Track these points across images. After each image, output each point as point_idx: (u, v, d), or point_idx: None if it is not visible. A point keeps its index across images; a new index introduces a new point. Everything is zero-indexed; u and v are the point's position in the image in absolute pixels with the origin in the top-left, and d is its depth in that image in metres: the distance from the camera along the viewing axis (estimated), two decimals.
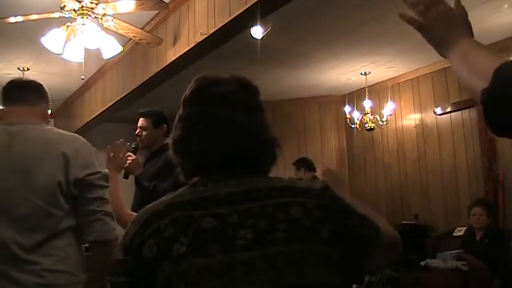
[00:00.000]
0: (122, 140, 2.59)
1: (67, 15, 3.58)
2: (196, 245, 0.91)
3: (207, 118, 1.05)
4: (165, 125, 3.31)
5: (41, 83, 1.90)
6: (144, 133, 3.27)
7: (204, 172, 1.04)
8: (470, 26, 1.02)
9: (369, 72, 6.24)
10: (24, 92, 1.80)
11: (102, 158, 2.37)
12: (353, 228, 1.00)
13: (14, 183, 1.59)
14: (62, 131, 1.77)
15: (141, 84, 5.16)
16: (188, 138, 1.06)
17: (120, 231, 1.97)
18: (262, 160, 1.07)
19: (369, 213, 1.06)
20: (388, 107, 6.21)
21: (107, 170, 1.75)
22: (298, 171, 5.11)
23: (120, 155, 2.56)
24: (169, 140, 1.10)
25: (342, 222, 0.98)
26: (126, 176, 3.17)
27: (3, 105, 1.81)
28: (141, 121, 3.30)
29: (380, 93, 6.67)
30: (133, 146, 3.26)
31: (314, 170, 5.13)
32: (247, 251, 0.91)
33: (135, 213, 2.76)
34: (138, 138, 3.29)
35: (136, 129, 3.31)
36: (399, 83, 6.57)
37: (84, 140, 1.78)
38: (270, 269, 0.90)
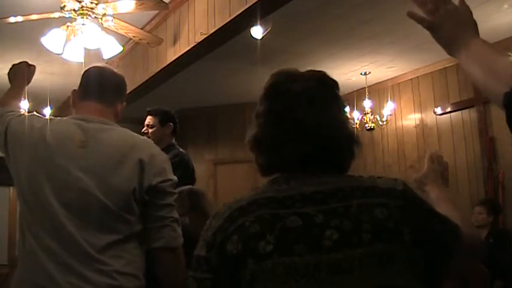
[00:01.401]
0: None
1: (67, 15, 3.58)
2: (283, 244, 0.92)
3: (282, 116, 1.04)
4: (171, 124, 3.32)
5: (123, 76, 1.83)
6: (150, 131, 3.28)
7: (282, 169, 1.04)
8: (477, 25, 1.03)
9: (369, 72, 6.23)
10: (104, 87, 1.75)
11: None
12: (433, 231, 0.98)
13: (88, 184, 1.56)
14: (135, 134, 1.73)
15: (141, 84, 5.16)
16: (264, 136, 1.05)
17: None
18: (339, 157, 1.06)
19: (454, 216, 1.05)
20: (388, 107, 6.21)
21: (176, 178, 1.72)
22: None
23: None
24: (246, 138, 1.10)
25: (422, 225, 0.97)
26: None
27: (79, 95, 1.76)
28: (148, 119, 3.31)
29: (380, 93, 6.67)
30: None
31: None
32: (333, 252, 0.91)
33: None
34: (144, 136, 3.30)
35: (143, 127, 3.31)
36: (399, 83, 6.57)
37: (156, 145, 1.76)
38: (356, 271, 0.90)
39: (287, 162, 1.03)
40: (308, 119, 1.02)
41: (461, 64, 1.01)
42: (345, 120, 1.09)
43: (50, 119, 1.73)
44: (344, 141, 1.06)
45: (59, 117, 1.74)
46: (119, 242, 1.56)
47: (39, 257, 1.52)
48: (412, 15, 1.06)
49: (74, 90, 1.79)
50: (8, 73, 2.07)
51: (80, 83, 1.78)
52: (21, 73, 2.04)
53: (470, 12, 1.03)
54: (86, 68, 1.81)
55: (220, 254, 0.95)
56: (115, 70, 1.85)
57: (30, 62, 2.14)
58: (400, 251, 0.93)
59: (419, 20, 1.05)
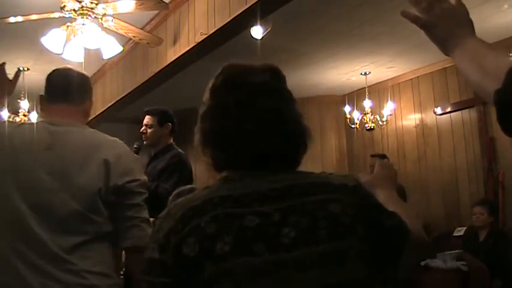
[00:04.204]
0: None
1: (67, 15, 3.58)
2: (241, 244, 0.90)
3: (245, 108, 0.99)
4: (170, 124, 3.32)
5: (86, 74, 1.85)
6: (149, 131, 3.28)
7: (238, 165, 1.01)
8: (473, 24, 1.02)
9: (369, 72, 6.23)
10: (69, 88, 1.76)
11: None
12: (384, 227, 0.99)
13: (53, 185, 1.57)
14: (104, 135, 1.74)
15: (141, 84, 5.16)
16: (222, 130, 1.01)
17: None
18: (296, 152, 1.04)
19: (403, 214, 1.05)
20: (388, 107, 6.21)
21: (145, 177, 1.73)
22: None
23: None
24: (195, 132, 1.06)
25: (373, 220, 0.98)
26: None
27: (46, 99, 1.77)
28: (146, 119, 3.31)
29: (380, 93, 6.67)
30: (135, 147, 3.27)
31: None
32: (292, 250, 0.90)
33: None
34: (143, 136, 3.30)
35: (142, 127, 3.31)
36: (399, 83, 6.57)
37: (125, 145, 1.76)
38: (315, 268, 0.90)
39: (246, 156, 1.00)
40: (271, 110, 1.00)
41: (456, 63, 1.00)
42: (301, 114, 1.06)
43: (21, 124, 1.75)
44: (302, 134, 1.04)
45: (29, 122, 1.75)
46: (86, 243, 1.58)
47: (9, 258, 1.54)
48: (405, 15, 1.04)
49: (41, 95, 1.80)
50: None
51: (46, 86, 1.79)
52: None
53: (467, 12, 1.03)
54: (50, 72, 1.82)
55: (176, 257, 0.91)
56: (78, 70, 1.85)
57: (28, 64, 2.10)
58: (354, 246, 0.93)
59: (414, 19, 1.04)
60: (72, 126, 1.70)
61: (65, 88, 1.76)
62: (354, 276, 0.92)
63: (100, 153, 1.63)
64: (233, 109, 1.00)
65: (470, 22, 1.02)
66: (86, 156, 1.62)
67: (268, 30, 4.16)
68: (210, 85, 1.06)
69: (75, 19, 3.59)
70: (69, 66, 1.85)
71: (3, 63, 1.98)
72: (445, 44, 1.02)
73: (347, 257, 0.92)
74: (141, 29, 4.25)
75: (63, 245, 1.55)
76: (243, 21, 3.68)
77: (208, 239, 0.90)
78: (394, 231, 0.99)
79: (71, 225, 1.57)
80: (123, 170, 1.64)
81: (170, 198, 2.47)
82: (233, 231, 0.90)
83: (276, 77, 1.06)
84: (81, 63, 3.94)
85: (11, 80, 1.97)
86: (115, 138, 1.78)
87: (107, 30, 3.77)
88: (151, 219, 2.41)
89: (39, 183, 1.58)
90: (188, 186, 2.61)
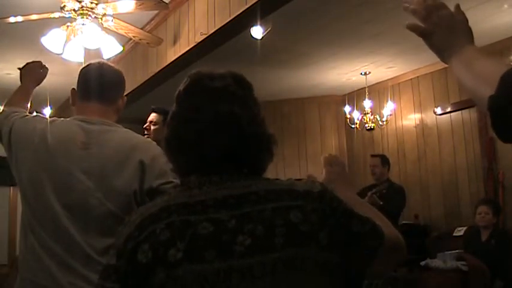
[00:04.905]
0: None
1: (67, 15, 3.58)
2: (193, 251, 0.89)
3: (204, 112, 1.00)
4: None
5: (121, 71, 1.81)
6: (152, 127, 3.29)
7: (200, 170, 1.00)
8: (471, 32, 1.02)
9: (369, 72, 6.23)
10: (104, 86, 1.73)
11: None
12: (354, 233, 0.96)
13: (89, 185, 1.56)
14: (138, 135, 1.72)
15: (141, 84, 5.16)
16: (184, 134, 1.01)
17: None
18: (258, 157, 1.03)
19: (371, 215, 1.02)
20: (388, 107, 6.21)
21: (178, 180, 1.74)
22: (383, 166, 5.02)
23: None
24: (164, 139, 1.06)
25: (342, 226, 0.95)
26: None
27: (78, 95, 1.75)
28: (152, 116, 3.32)
29: (380, 93, 6.67)
30: None
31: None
32: (245, 258, 0.88)
33: None
34: (145, 132, 3.30)
35: (146, 123, 3.32)
36: (399, 83, 6.57)
37: (158, 146, 1.73)
38: (267, 276, 0.88)
39: (207, 160, 1.00)
40: (230, 113, 0.99)
41: (453, 71, 1.00)
42: (264, 120, 1.05)
43: (53, 120, 1.72)
44: (265, 140, 1.03)
45: (61, 118, 1.74)
46: None
47: (41, 257, 1.53)
48: (408, 26, 1.04)
49: (73, 89, 1.77)
50: (21, 69, 2.04)
51: (79, 82, 1.76)
52: (32, 73, 2.02)
53: (466, 20, 1.03)
54: (84, 65, 1.80)
55: (130, 263, 0.92)
56: (113, 65, 1.83)
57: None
58: (314, 255, 0.91)
59: (412, 28, 1.04)
60: (107, 125, 1.67)
61: (99, 86, 1.73)
62: (311, 285, 0.91)
63: (135, 154, 1.61)
64: (193, 113, 1.01)
65: (469, 30, 1.02)
66: (123, 157, 1.60)
67: (268, 30, 4.16)
68: (176, 93, 1.07)
69: (75, 19, 3.59)
70: (104, 60, 1.82)
71: (44, 67, 2.10)
72: (442, 52, 1.02)
73: (304, 266, 0.90)
74: (141, 29, 4.25)
75: (96, 246, 1.53)
76: (243, 21, 3.68)
77: (161, 245, 0.90)
78: (366, 236, 0.97)
79: (104, 226, 1.55)
80: (158, 172, 1.61)
81: None
82: (186, 238, 0.90)
83: (238, 83, 1.05)
84: (81, 63, 3.94)
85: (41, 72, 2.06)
86: (148, 139, 1.77)
87: (107, 30, 3.77)
88: None
89: (74, 183, 1.57)
90: None
